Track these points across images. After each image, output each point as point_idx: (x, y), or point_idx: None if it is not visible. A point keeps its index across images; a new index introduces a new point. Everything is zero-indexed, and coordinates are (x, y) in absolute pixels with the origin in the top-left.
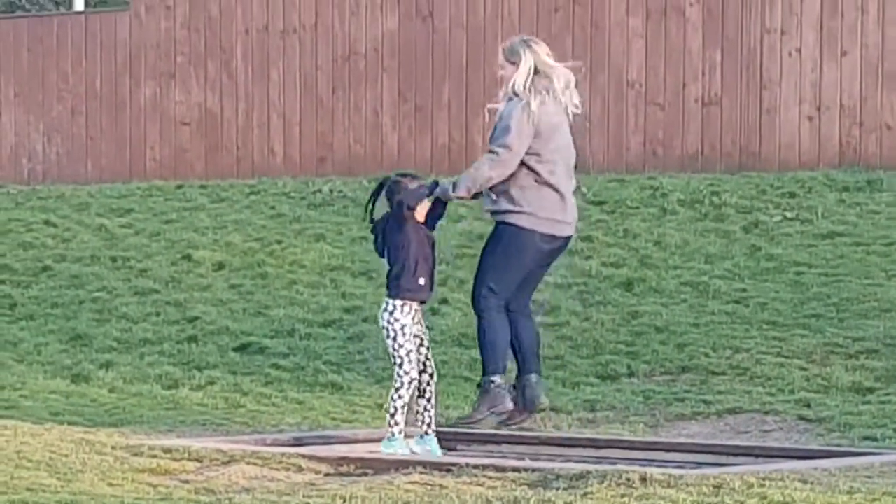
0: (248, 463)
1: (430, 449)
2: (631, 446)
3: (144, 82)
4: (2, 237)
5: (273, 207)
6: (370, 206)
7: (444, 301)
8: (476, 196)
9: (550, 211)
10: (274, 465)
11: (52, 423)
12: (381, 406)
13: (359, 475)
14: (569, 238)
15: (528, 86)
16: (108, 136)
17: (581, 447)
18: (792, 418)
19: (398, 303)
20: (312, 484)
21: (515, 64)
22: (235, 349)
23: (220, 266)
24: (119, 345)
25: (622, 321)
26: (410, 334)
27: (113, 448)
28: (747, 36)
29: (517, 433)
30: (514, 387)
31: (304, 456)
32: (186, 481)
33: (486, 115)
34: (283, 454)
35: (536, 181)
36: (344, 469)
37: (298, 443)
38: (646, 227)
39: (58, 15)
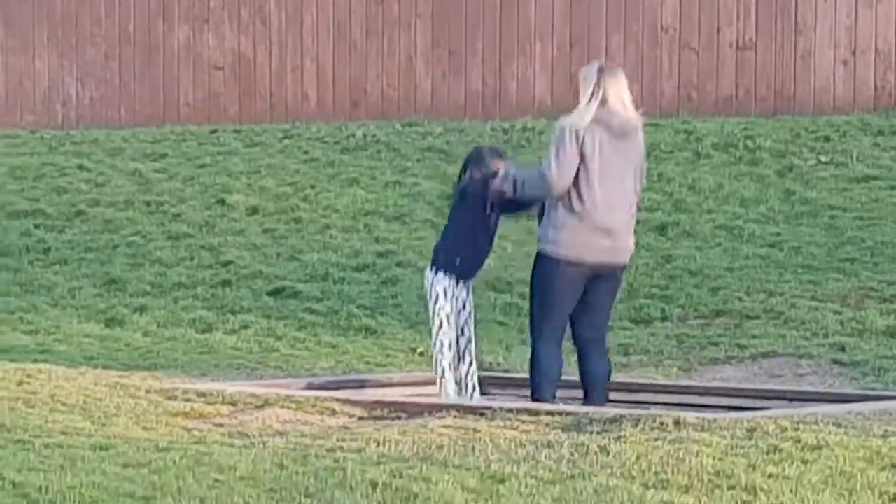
0: (281, 407)
1: None
2: (664, 390)
3: (178, 26)
4: (36, 182)
5: (306, 152)
6: (461, 175)
7: None
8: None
9: (577, 239)
10: (308, 409)
11: (86, 366)
12: (414, 350)
13: (392, 419)
14: (609, 266)
15: (584, 111)
16: (142, 80)
17: (614, 391)
18: (826, 362)
19: (437, 269)
20: (346, 427)
21: (583, 88)
22: (269, 293)
23: (254, 210)
24: (153, 289)
25: (656, 265)
26: (451, 296)
27: (147, 392)
28: None
29: None
30: None
31: (337, 399)
32: (220, 425)
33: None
34: (316, 398)
35: (567, 210)
36: (377, 413)
37: (333, 386)
38: (680, 171)
39: None
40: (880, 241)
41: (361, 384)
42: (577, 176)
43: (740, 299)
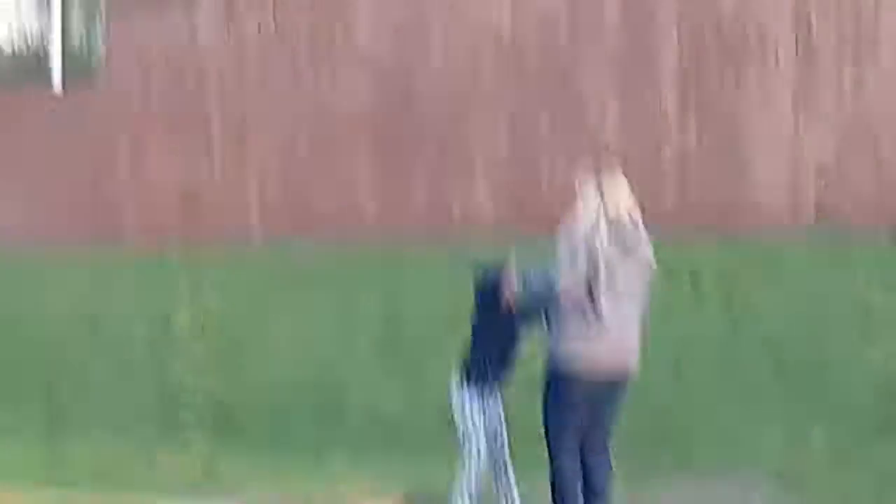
0: None
1: None
2: None
3: (123, 151)
4: None
5: (251, 275)
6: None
7: (425, 371)
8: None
9: (589, 351)
10: None
11: None
12: (360, 475)
13: None
14: (619, 377)
15: (587, 220)
16: (89, 204)
17: None
18: (772, 484)
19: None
20: None
21: (584, 194)
22: (214, 417)
23: (199, 332)
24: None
25: None
26: (478, 410)
27: None
28: (722, 96)
29: None
30: None
31: None
32: None
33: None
34: None
35: (578, 321)
36: None
37: None
38: None
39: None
40: (824, 361)
41: None
42: (588, 286)
43: (685, 421)
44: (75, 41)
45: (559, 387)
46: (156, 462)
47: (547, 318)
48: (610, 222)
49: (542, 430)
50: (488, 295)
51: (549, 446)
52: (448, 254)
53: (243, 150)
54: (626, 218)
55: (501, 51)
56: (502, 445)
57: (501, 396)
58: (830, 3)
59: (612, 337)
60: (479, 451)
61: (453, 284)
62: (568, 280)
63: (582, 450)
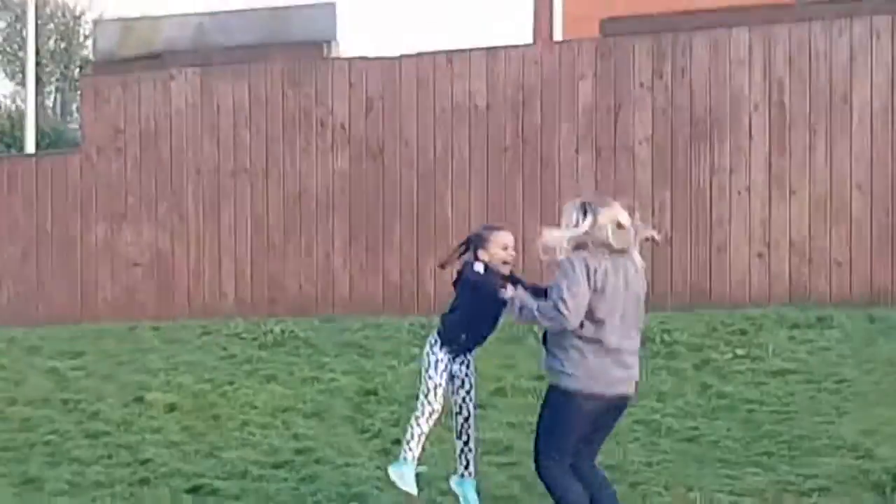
0: None
1: (469, 492)
2: None
3: (96, 223)
4: None
5: (225, 348)
6: (453, 255)
7: (397, 441)
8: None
9: (594, 370)
10: None
11: None
12: None
13: None
14: (623, 397)
15: (580, 242)
16: (60, 276)
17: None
18: None
19: (440, 341)
20: None
21: (577, 221)
22: (187, 491)
23: (172, 408)
24: (71, 488)
25: None
26: (444, 370)
27: None
28: (696, 174)
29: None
30: None
31: None
32: None
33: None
34: None
35: (583, 341)
36: None
37: None
38: None
39: (8, 157)
40: (797, 434)
41: None
42: (590, 308)
43: (659, 494)
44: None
45: (563, 406)
46: None
47: (546, 340)
48: (598, 236)
49: (534, 452)
50: (488, 289)
51: (538, 468)
52: (421, 327)
53: (217, 225)
54: (616, 229)
55: (476, 125)
56: (465, 416)
57: (473, 363)
58: (803, 79)
59: (617, 360)
60: (434, 409)
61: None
62: (569, 308)
63: (577, 470)
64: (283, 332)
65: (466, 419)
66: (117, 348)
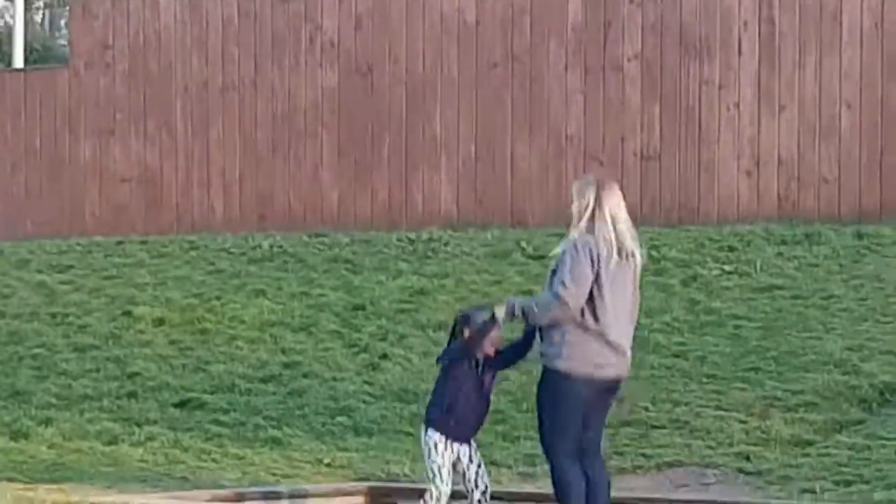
0: None
1: None
2: None
3: (84, 139)
4: None
5: (213, 263)
6: (449, 341)
7: (384, 356)
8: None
9: (590, 355)
10: None
11: None
12: (321, 461)
13: None
14: (615, 380)
15: (585, 227)
16: (48, 192)
17: (521, 501)
18: (732, 471)
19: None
20: None
21: (578, 202)
22: (175, 405)
23: (160, 322)
24: (59, 401)
25: None
26: (445, 450)
27: None
28: (686, 91)
29: (456, 489)
30: None
31: None
32: None
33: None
34: None
35: (580, 328)
36: None
37: (238, 498)
38: None
39: None
40: (784, 350)
41: (268, 496)
42: (590, 293)
43: (646, 409)
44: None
45: (559, 391)
46: (118, 452)
47: (542, 328)
48: (605, 225)
49: (540, 438)
50: (461, 355)
51: (548, 454)
52: (409, 243)
53: (206, 141)
54: (622, 221)
55: (465, 42)
56: (482, 490)
57: (474, 442)
58: None
59: (612, 343)
60: (442, 492)
61: (414, 272)
62: (570, 293)
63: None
64: (271, 247)
65: (483, 493)
66: (105, 262)
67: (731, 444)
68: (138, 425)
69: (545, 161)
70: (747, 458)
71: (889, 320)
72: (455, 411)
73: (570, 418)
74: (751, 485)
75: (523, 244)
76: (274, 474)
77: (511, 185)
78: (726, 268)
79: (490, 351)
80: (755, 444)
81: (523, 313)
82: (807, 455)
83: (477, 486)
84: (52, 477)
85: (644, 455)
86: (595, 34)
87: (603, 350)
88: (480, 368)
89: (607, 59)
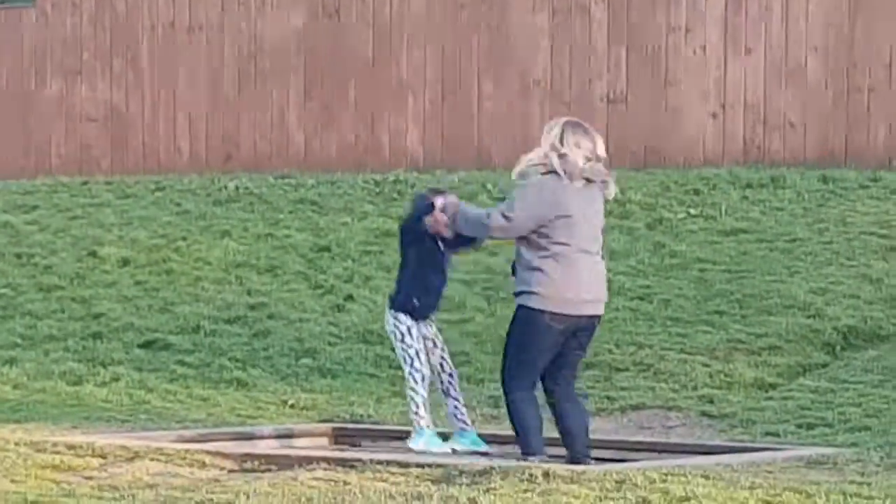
0: (151, 459)
1: (473, 442)
2: None
3: (50, 78)
4: None
5: (178, 204)
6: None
7: (350, 297)
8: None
9: (560, 289)
10: (178, 462)
11: None
12: (285, 402)
13: (263, 471)
14: (592, 317)
15: (545, 163)
16: (14, 132)
17: (484, 443)
18: (695, 414)
19: (396, 310)
20: (216, 480)
21: (545, 139)
22: (140, 346)
23: (126, 262)
24: (23, 341)
25: None
26: (417, 335)
27: (16, 444)
28: (652, 33)
29: None
30: None
31: (208, 452)
32: (90, 478)
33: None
34: (186, 450)
35: (546, 258)
36: (248, 465)
37: (204, 438)
38: None
39: None
40: (748, 293)
41: (232, 436)
42: (558, 230)
43: (609, 351)
44: None
45: (530, 326)
46: (82, 393)
47: (515, 259)
48: (567, 160)
49: (501, 370)
50: (413, 222)
51: (508, 389)
52: (375, 184)
53: (172, 81)
54: (586, 156)
55: None
56: (449, 374)
57: (434, 324)
58: None
59: (583, 279)
60: (424, 374)
61: (380, 214)
62: (503, 226)
63: (552, 394)
64: (237, 188)
65: (451, 375)
66: (71, 202)
67: (694, 388)
68: (103, 366)
69: (512, 103)
70: (711, 402)
71: (853, 264)
72: (416, 290)
73: (538, 355)
74: (714, 428)
75: (489, 186)
76: (239, 415)
77: (477, 128)
78: (691, 211)
79: (443, 230)
80: (719, 388)
81: (454, 219)
82: (770, 398)
83: (444, 370)
84: (15, 417)
85: (608, 398)
86: None
87: (574, 287)
88: (440, 247)
89: (574, 1)
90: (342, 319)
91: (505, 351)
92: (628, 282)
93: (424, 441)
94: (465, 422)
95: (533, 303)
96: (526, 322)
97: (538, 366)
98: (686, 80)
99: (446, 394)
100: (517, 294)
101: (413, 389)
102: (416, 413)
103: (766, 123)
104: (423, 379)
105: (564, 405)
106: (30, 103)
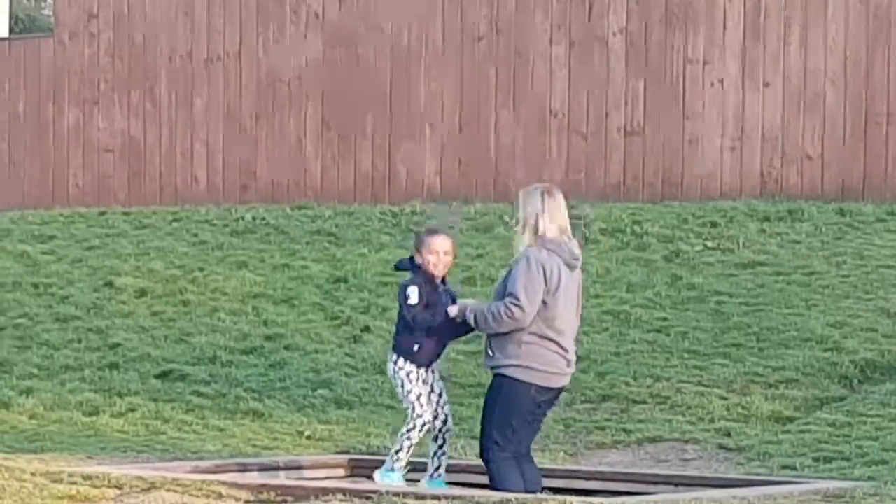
0: (167, 490)
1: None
2: (551, 474)
3: (68, 109)
4: None
5: (195, 234)
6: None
7: (366, 329)
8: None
9: (548, 364)
10: (194, 493)
11: None
12: (301, 433)
13: (279, 503)
14: (562, 389)
15: (535, 238)
16: (31, 162)
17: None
18: (712, 447)
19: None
20: None
21: (524, 211)
22: (157, 376)
23: (142, 293)
24: (40, 371)
25: None
26: (418, 379)
27: (33, 474)
28: (670, 66)
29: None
30: None
31: (224, 483)
32: None
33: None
34: (202, 481)
35: (536, 335)
36: (263, 496)
37: (219, 469)
38: None
39: None
40: (766, 326)
41: (248, 467)
42: (544, 305)
43: (627, 384)
44: None
45: (514, 396)
46: (99, 423)
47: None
48: (554, 238)
49: (481, 440)
50: (421, 322)
51: (490, 458)
52: (392, 216)
53: (189, 112)
54: (566, 233)
55: (450, 14)
56: (444, 421)
57: (440, 373)
58: None
59: (564, 353)
60: (425, 421)
61: (397, 245)
62: (522, 311)
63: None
64: (254, 218)
65: (444, 422)
66: (88, 233)
67: (711, 420)
68: (119, 396)
69: (529, 135)
70: (728, 434)
71: (870, 297)
72: (418, 338)
73: (520, 423)
74: (731, 461)
75: (506, 218)
76: (254, 446)
77: (494, 159)
78: (709, 243)
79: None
80: (736, 420)
81: (475, 320)
82: (787, 432)
83: (438, 417)
84: (32, 447)
85: (625, 430)
86: (580, 7)
87: (557, 359)
88: (440, 290)
89: (592, 32)
90: (358, 351)
91: (485, 419)
92: (645, 314)
93: (391, 480)
94: (438, 470)
95: (520, 375)
96: (510, 393)
97: (516, 432)
98: (704, 112)
99: (434, 440)
100: (500, 366)
101: (407, 435)
102: (398, 454)
103: (784, 156)
104: (422, 426)
105: (522, 461)
106: (47, 133)
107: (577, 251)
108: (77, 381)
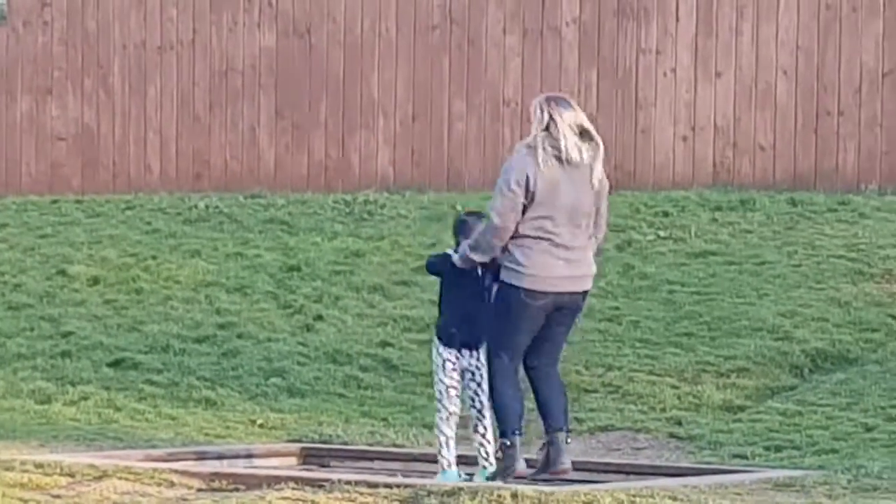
0: (120, 478)
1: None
2: None
3: (21, 97)
4: None
5: (149, 223)
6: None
7: (319, 317)
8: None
9: (538, 267)
10: (146, 481)
11: None
12: (254, 422)
13: (230, 490)
14: (573, 294)
15: (528, 142)
16: None
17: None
18: (663, 436)
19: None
20: (184, 499)
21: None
22: (109, 364)
23: (95, 281)
24: None
25: None
26: (452, 369)
27: None
28: (623, 56)
29: (388, 449)
30: (544, 444)
31: (176, 471)
32: (58, 496)
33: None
34: (154, 469)
35: (526, 236)
36: (216, 484)
37: (171, 457)
38: None
39: None
40: (717, 316)
41: (200, 456)
42: (535, 207)
43: (578, 373)
44: None
45: (507, 303)
46: (51, 411)
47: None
48: (551, 137)
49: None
50: (435, 265)
51: (488, 367)
52: (345, 205)
53: (143, 100)
54: (567, 132)
55: (404, 4)
56: (479, 409)
57: (479, 355)
58: None
59: (561, 255)
60: (451, 412)
61: (350, 234)
62: (500, 221)
63: (528, 370)
64: (207, 207)
65: (480, 411)
66: (40, 221)
67: (663, 409)
68: (72, 384)
69: (482, 124)
70: (679, 423)
71: (821, 287)
72: (455, 322)
73: (516, 334)
74: (682, 450)
75: (459, 206)
76: (207, 434)
77: (448, 148)
78: (661, 233)
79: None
80: (687, 410)
81: (473, 251)
82: (738, 421)
83: (473, 404)
84: None
85: (576, 419)
86: None
87: (549, 261)
88: (480, 273)
89: (545, 22)
90: (311, 339)
91: (489, 329)
92: (597, 303)
93: (445, 480)
94: (487, 460)
95: (510, 279)
96: (504, 299)
97: (518, 342)
98: (656, 103)
99: (474, 430)
100: (499, 265)
101: (438, 427)
102: (440, 453)
103: (736, 146)
104: (448, 417)
105: (543, 376)
106: (0, 122)
107: (577, 153)
108: (29, 370)
